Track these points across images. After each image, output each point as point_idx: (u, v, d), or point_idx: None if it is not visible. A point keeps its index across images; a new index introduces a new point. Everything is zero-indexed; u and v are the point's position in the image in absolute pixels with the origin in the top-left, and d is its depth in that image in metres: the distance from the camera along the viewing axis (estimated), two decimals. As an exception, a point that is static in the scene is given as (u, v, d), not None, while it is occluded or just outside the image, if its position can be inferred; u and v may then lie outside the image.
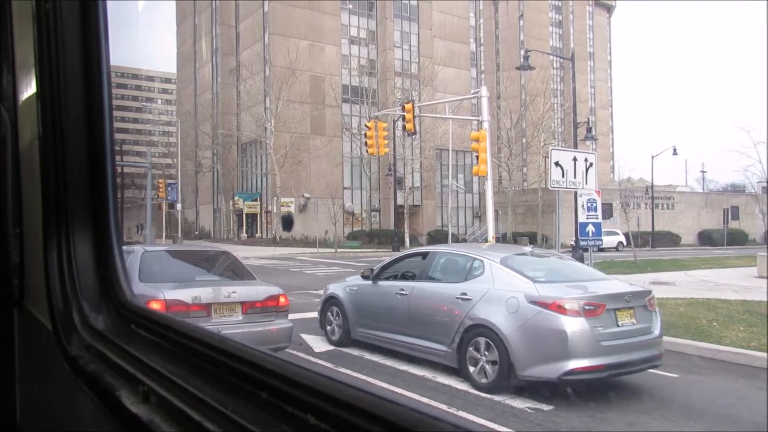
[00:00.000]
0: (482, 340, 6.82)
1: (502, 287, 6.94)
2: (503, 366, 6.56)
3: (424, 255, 8.67)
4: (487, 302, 6.92)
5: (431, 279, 8.09)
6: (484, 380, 6.76)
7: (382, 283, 8.72)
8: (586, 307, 6.40)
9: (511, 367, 6.51)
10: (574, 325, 6.30)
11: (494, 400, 6.42)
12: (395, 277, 8.70)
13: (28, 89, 1.94)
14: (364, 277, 9.09)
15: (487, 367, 6.73)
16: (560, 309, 6.37)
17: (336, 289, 9.52)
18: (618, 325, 6.59)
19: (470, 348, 6.94)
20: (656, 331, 6.97)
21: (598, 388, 6.94)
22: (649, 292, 7.33)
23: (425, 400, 6.30)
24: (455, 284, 7.53)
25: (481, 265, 7.42)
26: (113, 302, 1.66)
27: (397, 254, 10.09)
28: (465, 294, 7.23)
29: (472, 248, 8.91)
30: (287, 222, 47.58)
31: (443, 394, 6.60)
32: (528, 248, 9.16)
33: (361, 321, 8.79)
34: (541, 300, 6.51)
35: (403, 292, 8.16)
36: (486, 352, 6.77)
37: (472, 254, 7.85)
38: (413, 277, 8.39)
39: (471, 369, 6.91)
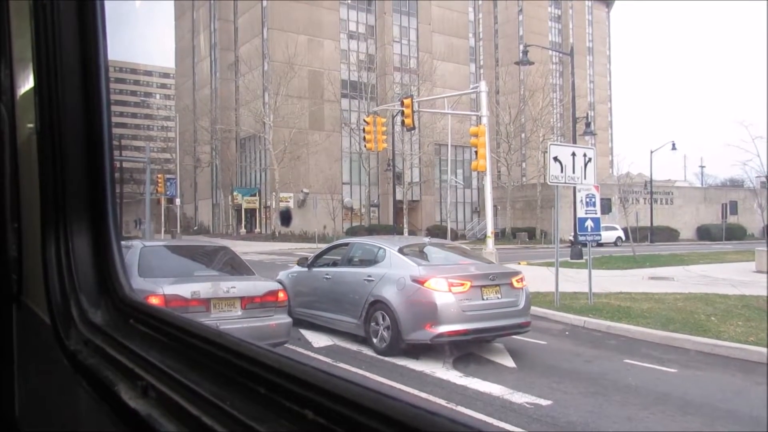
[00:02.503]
0: (380, 313, 8.28)
1: (396, 270, 8.37)
2: (394, 333, 8.00)
3: (346, 245, 10.31)
4: (385, 282, 8.36)
5: (349, 265, 9.53)
6: (378, 344, 8.21)
7: (314, 269, 10.12)
8: (454, 284, 7.85)
9: (399, 333, 7.92)
10: (442, 298, 7.77)
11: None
12: (325, 264, 10.13)
13: (26, 84, 1.94)
14: (300, 265, 10.54)
15: (384, 334, 8.17)
16: (432, 285, 7.84)
17: (282, 275, 10.82)
18: (483, 299, 8.03)
19: (372, 320, 8.39)
20: (521, 305, 8.41)
21: (598, 384, 6.96)
22: (517, 273, 8.79)
23: (433, 398, 6.31)
24: (364, 269, 9.01)
25: (384, 253, 8.84)
26: (111, 297, 1.66)
27: (328, 245, 11.86)
28: (370, 276, 8.67)
29: (380, 239, 10.54)
30: (285, 217, 47.55)
31: (441, 389, 6.61)
32: (426, 239, 11.23)
33: (298, 302, 9.91)
34: (420, 278, 7.96)
35: (328, 277, 9.67)
36: (382, 323, 8.21)
37: (378, 244, 9.34)
38: (336, 264, 9.88)
39: (373, 337, 8.35)
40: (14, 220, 2.09)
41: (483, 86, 21.76)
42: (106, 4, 1.72)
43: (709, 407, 6.29)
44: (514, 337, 8.89)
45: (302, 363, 0.94)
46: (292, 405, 0.88)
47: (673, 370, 7.59)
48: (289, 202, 51.59)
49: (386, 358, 7.96)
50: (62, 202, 1.73)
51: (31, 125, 1.88)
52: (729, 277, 17.63)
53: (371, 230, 48.11)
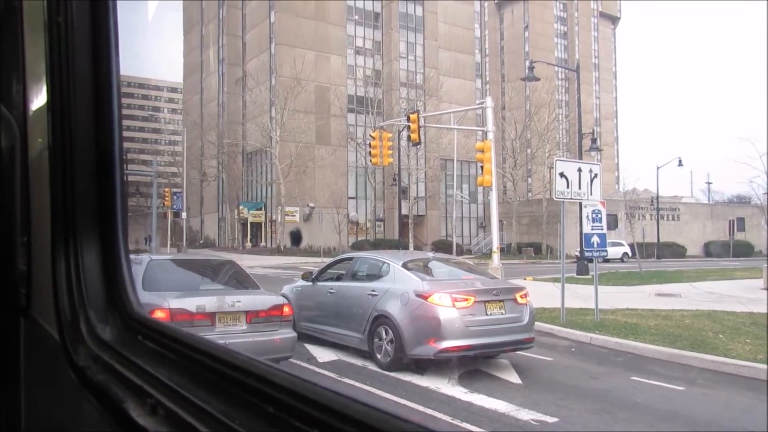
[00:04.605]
0: (383, 328, 8.28)
1: (400, 285, 8.39)
2: (397, 347, 7.98)
3: (350, 259, 10.41)
4: (389, 297, 8.36)
5: (353, 279, 9.60)
6: (382, 359, 8.20)
7: (319, 283, 10.16)
8: (457, 299, 7.81)
9: (402, 348, 7.90)
10: (446, 314, 7.74)
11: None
12: (329, 279, 10.19)
13: (38, 99, 1.95)
14: (305, 279, 10.60)
15: (387, 348, 8.15)
16: (435, 300, 7.83)
17: (287, 289, 10.84)
18: (487, 314, 8.01)
19: (376, 334, 8.38)
20: (525, 320, 8.35)
21: (605, 401, 6.90)
22: (521, 288, 8.74)
23: (430, 411, 6.27)
24: (368, 283, 9.06)
25: (388, 267, 8.88)
26: (120, 312, 1.66)
27: (332, 259, 11.91)
28: (374, 291, 8.68)
29: (384, 254, 10.49)
30: (296, 237, 47.96)
31: (446, 405, 6.57)
32: (430, 254, 11.43)
33: (302, 316, 9.88)
34: (424, 293, 7.96)
35: (332, 291, 9.72)
36: (386, 337, 8.20)
37: (382, 259, 9.38)
38: (340, 278, 9.92)
39: (376, 351, 8.34)
40: (24, 234, 2.09)
41: (489, 102, 21.82)
42: (118, 19, 1.74)
43: (717, 426, 6.23)
44: (520, 353, 8.84)
45: (311, 382, 0.94)
46: (301, 425, 0.87)
47: (680, 388, 7.53)
48: (294, 216, 51.68)
49: (391, 374, 7.92)
50: (72, 216, 1.74)
51: (42, 140, 1.89)
52: (736, 294, 17.51)
53: (376, 245, 48.05)
